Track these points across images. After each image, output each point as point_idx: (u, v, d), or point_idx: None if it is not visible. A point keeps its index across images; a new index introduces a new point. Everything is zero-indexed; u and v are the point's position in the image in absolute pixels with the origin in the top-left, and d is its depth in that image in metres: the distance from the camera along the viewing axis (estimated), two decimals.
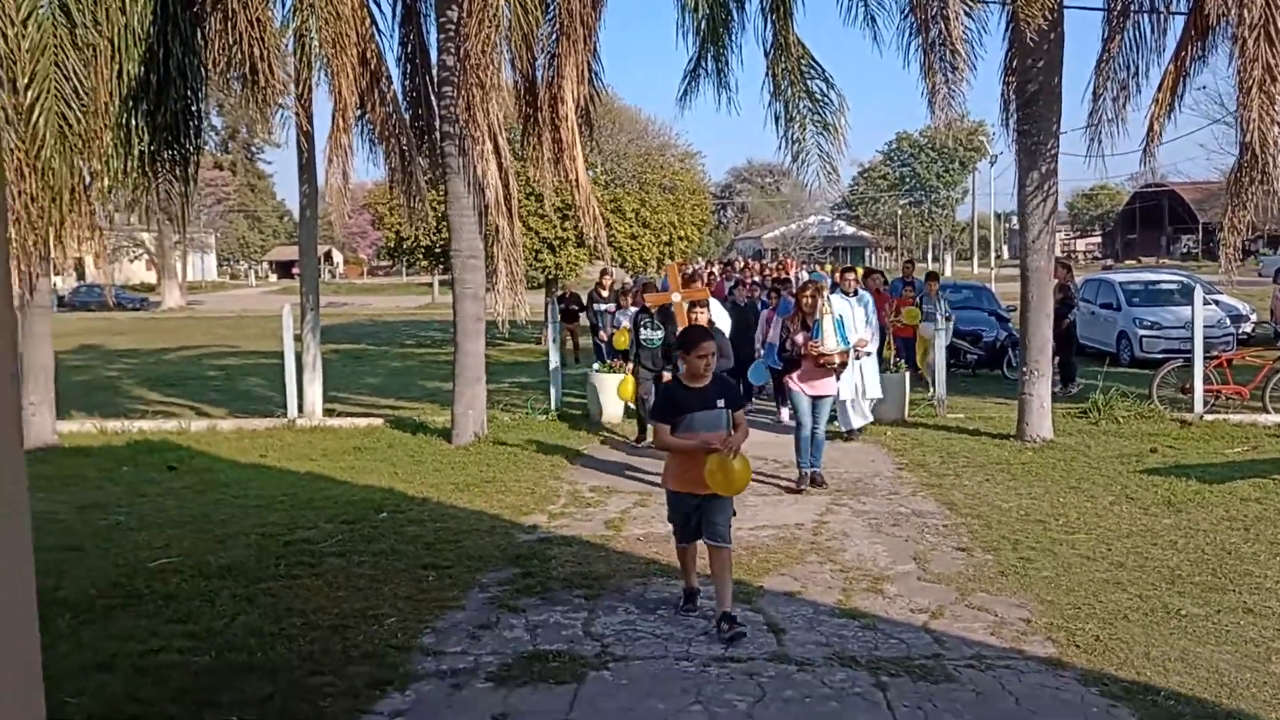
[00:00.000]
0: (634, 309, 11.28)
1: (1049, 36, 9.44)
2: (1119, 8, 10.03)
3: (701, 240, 34.86)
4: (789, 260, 31.84)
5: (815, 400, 8.27)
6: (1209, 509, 7.25)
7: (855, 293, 10.38)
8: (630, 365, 10.32)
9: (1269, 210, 9.77)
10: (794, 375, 8.27)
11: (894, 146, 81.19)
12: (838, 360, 8.22)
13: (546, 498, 8.05)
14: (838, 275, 11.57)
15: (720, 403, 5.13)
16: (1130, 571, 5.86)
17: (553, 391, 12.62)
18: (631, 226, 24.35)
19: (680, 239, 25.52)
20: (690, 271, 19.90)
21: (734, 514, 5.31)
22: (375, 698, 4.30)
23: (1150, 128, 9.91)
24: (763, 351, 9.76)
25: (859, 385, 10.22)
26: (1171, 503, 7.44)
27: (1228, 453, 9.31)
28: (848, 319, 8.85)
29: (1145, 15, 10.03)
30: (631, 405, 10.90)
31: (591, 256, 24.91)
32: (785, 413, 10.85)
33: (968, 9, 8.46)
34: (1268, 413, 10.97)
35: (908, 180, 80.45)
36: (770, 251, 63.18)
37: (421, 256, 24.50)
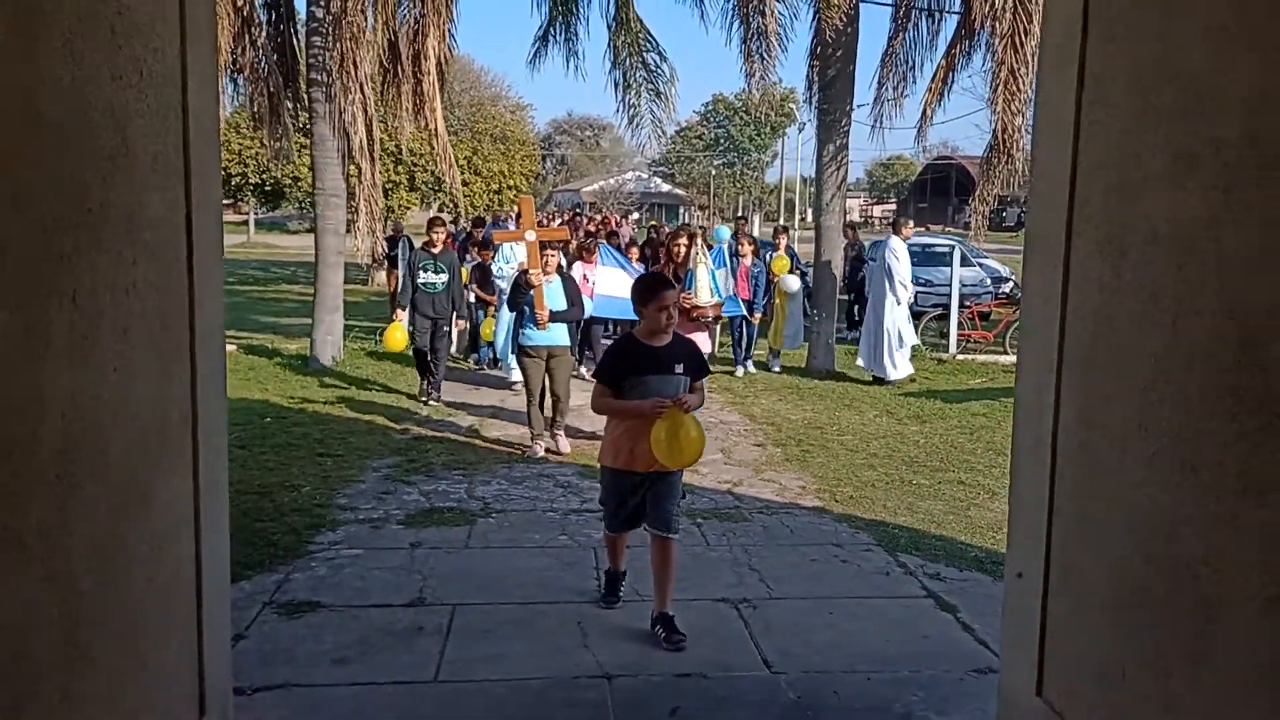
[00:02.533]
0: (412, 248, 10.76)
1: (846, 31, 11.23)
2: (904, 8, 11.95)
3: (530, 189, 35.95)
4: (610, 214, 33.35)
5: None
6: (947, 420, 9.28)
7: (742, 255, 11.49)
8: (400, 312, 9.62)
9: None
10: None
11: (710, 108, 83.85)
12: (711, 314, 7.83)
13: (408, 410, 9.26)
14: (741, 242, 11.85)
15: (679, 368, 4.35)
16: (881, 459, 7.71)
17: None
18: (463, 174, 25.24)
19: (510, 188, 26.64)
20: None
21: (684, 496, 4.66)
22: (314, 535, 5.52)
23: (923, 112, 11.93)
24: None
25: (900, 333, 11.09)
26: (920, 416, 9.44)
27: (970, 383, 11.51)
28: (721, 279, 9.04)
29: (924, 17, 11.99)
30: (402, 354, 10.10)
31: (423, 201, 25.65)
32: None
33: (781, 4, 10.09)
34: (1006, 354, 13.36)
35: (722, 141, 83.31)
36: (589, 205, 64.57)
37: (251, 194, 24.65)
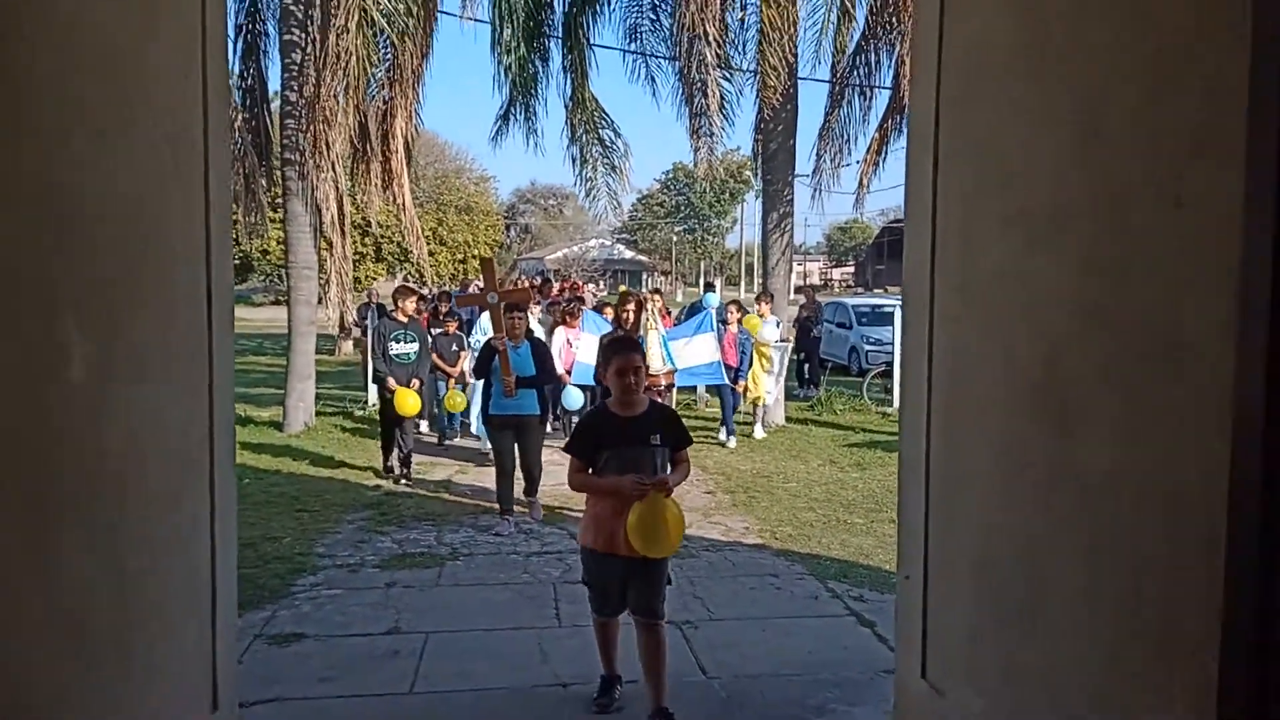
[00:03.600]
0: (379, 320, 10.55)
1: (786, 108, 12.09)
2: (839, 87, 12.87)
3: (495, 258, 36.74)
4: (576, 281, 34.13)
5: None
6: (886, 467, 9.90)
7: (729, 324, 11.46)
8: (391, 381, 9.12)
9: None
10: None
11: (670, 176, 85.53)
12: (663, 382, 7.57)
13: (380, 471, 9.75)
14: (730, 310, 11.71)
15: (656, 439, 4.00)
16: (821, 503, 8.32)
17: (371, 390, 14.18)
18: (429, 244, 25.94)
19: (474, 257, 27.38)
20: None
21: (670, 582, 4.16)
22: (296, 578, 6.01)
23: (860, 181, 12.78)
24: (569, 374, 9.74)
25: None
26: (861, 464, 10.07)
27: None
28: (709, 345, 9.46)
29: (856, 94, 12.90)
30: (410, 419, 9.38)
31: (389, 271, 26.30)
32: None
33: (721, 90, 10.93)
34: None
35: (683, 209, 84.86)
36: (554, 272, 65.49)
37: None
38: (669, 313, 14.14)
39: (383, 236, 24.77)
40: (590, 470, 4.03)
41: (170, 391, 3.05)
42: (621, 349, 4.09)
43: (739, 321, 11.85)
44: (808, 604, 5.62)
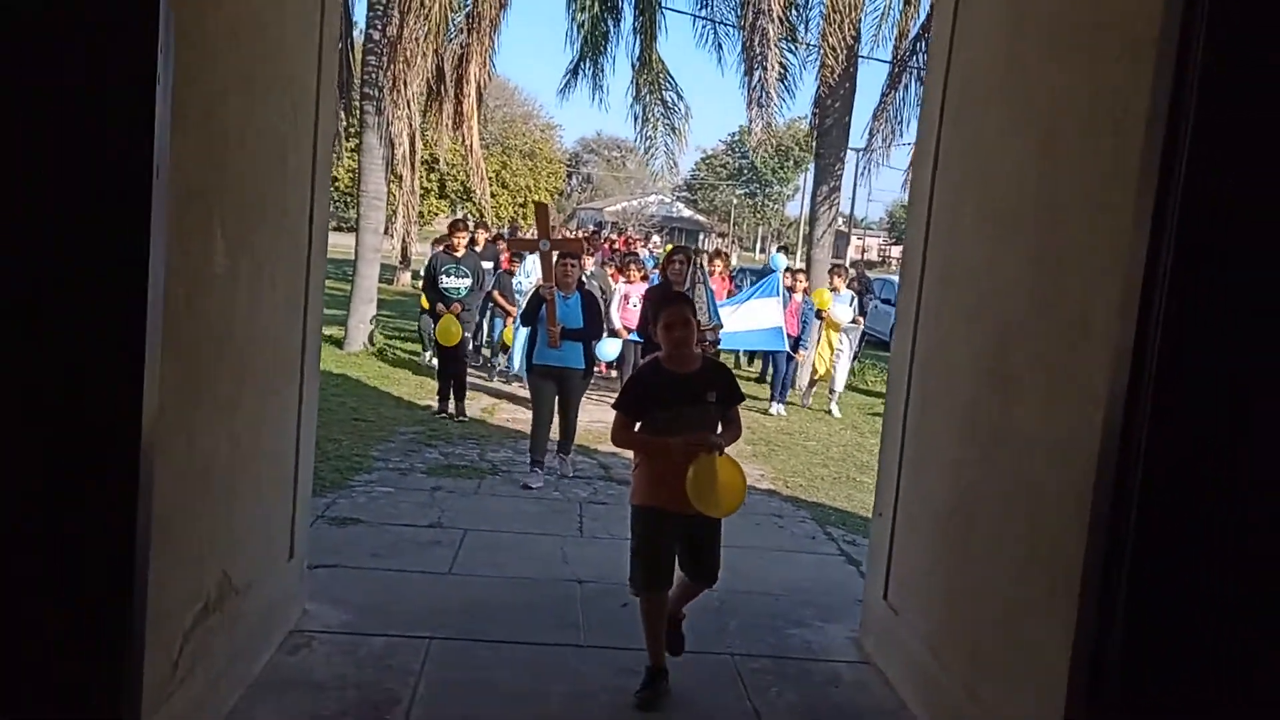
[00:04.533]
0: (433, 253, 10.33)
1: (844, 85, 12.51)
2: (898, 69, 13.23)
3: (554, 205, 37.41)
4: (630, 237, 34.64)
5: None
6: None
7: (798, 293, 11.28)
8: (454, 306, 9.17)
9: None
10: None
11: (736, 138, 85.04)
12: (709, 338, 7.49)
13: (431, 392, 10.50)
14: (798, 279, 11.41)
15: (711, 396, 3.87)
16: (836, 462, 8.92)
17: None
18: (491, 186, 26.62)
19: (534, 201, 28.01)
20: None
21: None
22: (353, 475, 6.77)
23: (910, 163, 13.14)
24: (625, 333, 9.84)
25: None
26: (880, 431, 10.62)
27: None
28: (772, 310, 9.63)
29: (914, 78, 13.26)
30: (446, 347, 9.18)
31: (451, 208, 27.05)
32: None
33: (783, 63, 11.39)
34: None
35: (745, 172, 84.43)
36: (611, 225, 65.87)
37: None
38: (732, 278, 13.89)
39: (447, 174, 25.50)
40: (637, 427, 3.83)
41: (276, 298, 3.73)
42: (669, 302, 3.95)
43: (805, 292, 11.59)
44: (804, 542, 6.26)
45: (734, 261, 17.35)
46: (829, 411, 11.47)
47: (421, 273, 11.40)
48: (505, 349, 11.46)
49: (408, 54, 11.38)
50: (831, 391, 11.72)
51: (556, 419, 7.32)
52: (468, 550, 5.43)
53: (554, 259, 7.27)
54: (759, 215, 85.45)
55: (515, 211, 26.75)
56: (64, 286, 2.28)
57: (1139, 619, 2.51)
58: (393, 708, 3.58)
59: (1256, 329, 2.41)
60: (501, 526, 5.95)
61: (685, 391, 3.80)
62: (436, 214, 25.95)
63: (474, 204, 25.27)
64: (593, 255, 12.71)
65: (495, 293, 11.25)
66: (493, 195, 26.87)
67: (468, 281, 9.54)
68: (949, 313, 3.97)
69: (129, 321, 2.32)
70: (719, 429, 3.92)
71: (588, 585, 5.04)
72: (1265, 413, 2.44)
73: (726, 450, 3.77)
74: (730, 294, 12.06)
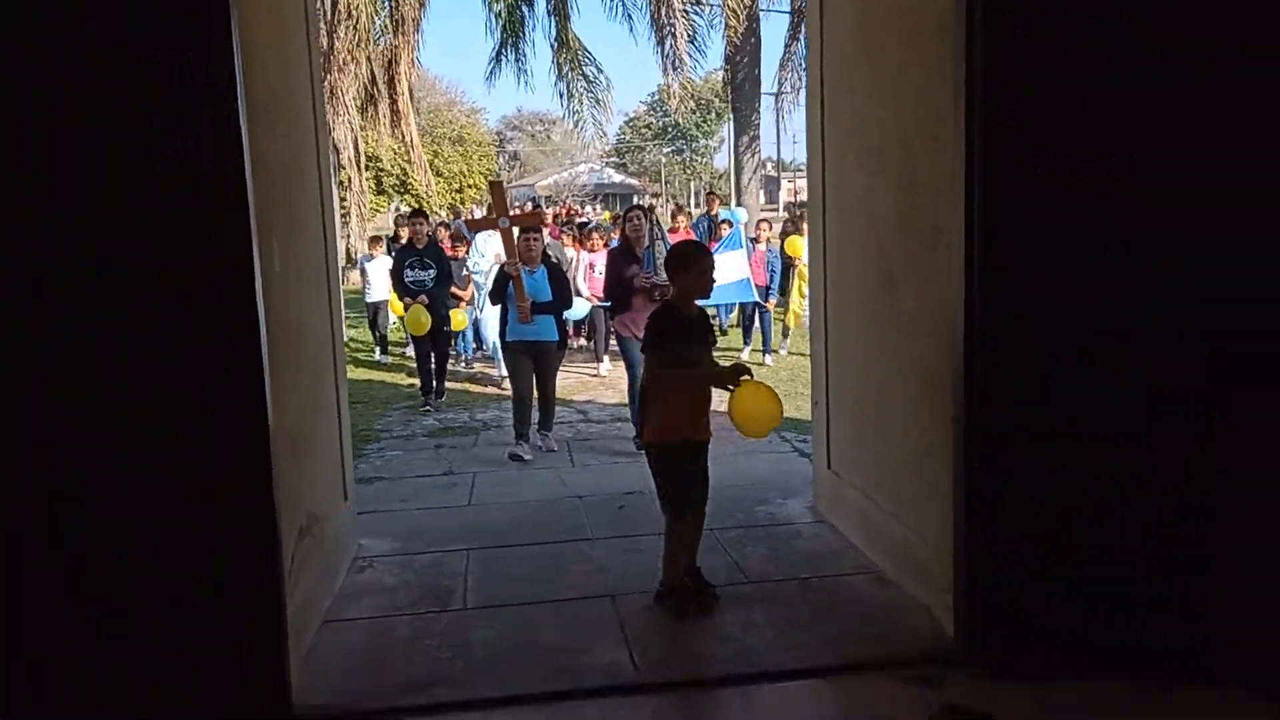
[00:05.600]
0: (395, 248, 10.51)
1: (749, 40, 13.47)
2: (797, 19, 14.20)
3: (503, 181, 38.05)
4: (571, 206, 35.43)
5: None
6: None
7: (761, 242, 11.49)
8: (421, 298, 9.29)
9: None
10: (623, 318, 7.14)
11: (656, 99, 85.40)
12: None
13: (409, 372, 11.39)
14: (759, 228, 11.60)
15: (711, 336, 4.43)
16: (786, 383, 9.98)
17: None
18: (426, 175, 27.25)
19: (470, 186, 28.70)
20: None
21: None
22: (364, 446, 7.68)
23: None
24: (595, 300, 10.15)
25: None
26: None
27: None
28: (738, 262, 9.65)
29: None
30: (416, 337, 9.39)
31: (389, 203, 27.64)
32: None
33: (692, 27, 12.33)
34: None
35: (669, 130, 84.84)
36: (545, 199, 66.24)
37: None
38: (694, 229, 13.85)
39: (381, 170, 26.06)
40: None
41: (314, 292, 4.64)
42: (703, 252, 4.43)
43: (769, 240, 11.83)
44: (764, 446, 7.30)
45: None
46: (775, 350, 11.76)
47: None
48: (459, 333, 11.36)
49: (341, 62, 12.13)
50: (785, 333, 12.03)
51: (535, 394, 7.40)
52: (480, 487, 6.40)
53: (515, 235, 7.36)
54: (689, 171, 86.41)
55: (453, 198, 27.44)
56: (186, 294, 3.19)
57: (996, 452, 3.54)
58: (451, 596, 4.55)
59: (1052, 227, 3.41)
60: (505, 468, 6.91)
61: (697, 331, 4.28)
62: (376, 210, 26.56)
63: (412, 196, 25.93)
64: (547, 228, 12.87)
65: None
66: (427, 185, 27.51)
67: (432, 272, 9.55)
68: (847, 232, 4.99)
69: (248, 324, 3.24)
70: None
71: (587, 498, 6.04)
72: (1066, 285, 3.45)
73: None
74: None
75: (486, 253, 10.09)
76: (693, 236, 12.41)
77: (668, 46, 12.53)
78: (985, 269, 3.48)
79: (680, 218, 12.66)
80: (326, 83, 12.47)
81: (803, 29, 14.10)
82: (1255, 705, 3.28)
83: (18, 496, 3.21)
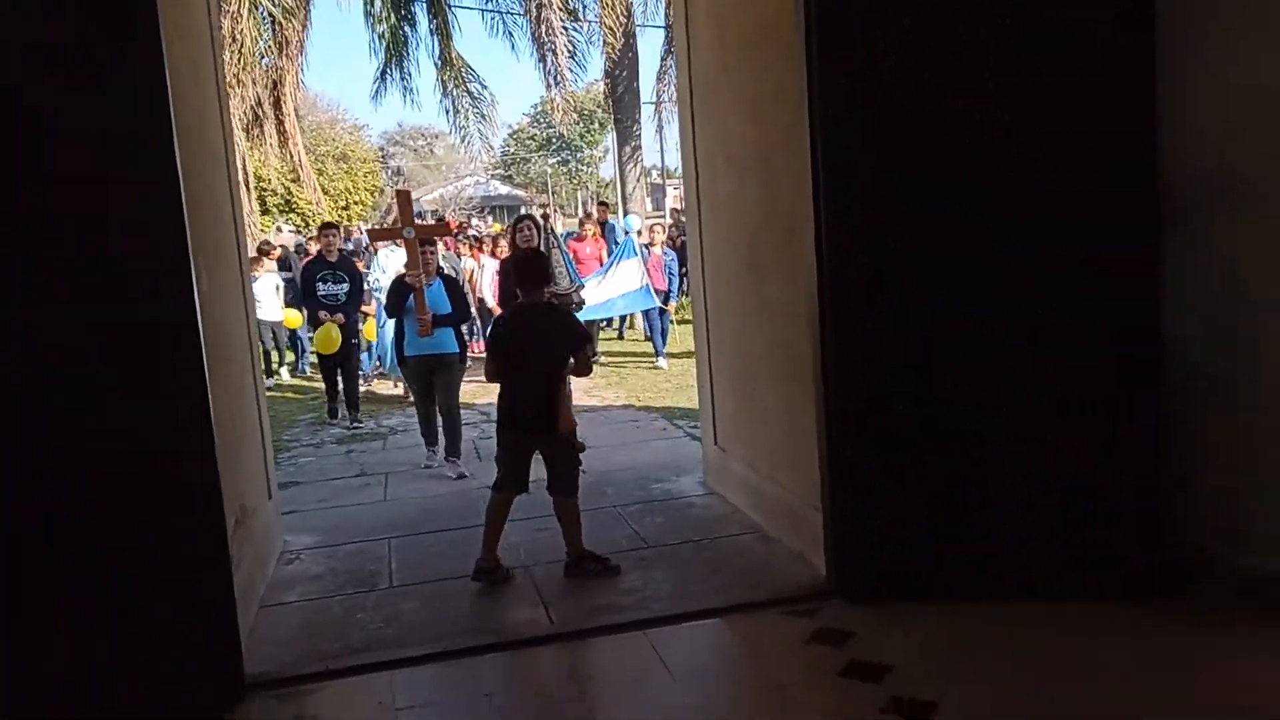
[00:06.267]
0: (303, 263, 10.23)
1: (627, 55, 14.08)
2: (670, 35, 14.87)
3: (375, 204, 37.89)
4: (458, 221, 35.56)
5: None
6: None
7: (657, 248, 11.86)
8: (334, 315, 9.01)
9: None
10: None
11: (539, 110, 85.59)
12: (575, 299, 7.66)
13: (314, 389, 11.62)
14: (653, 232, 12.09)
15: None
16: (678, 376, 10.59)
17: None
18: (315, 193, 27.12)
19: (356, 203, 28.66)
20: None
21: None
22: (278, 455, 7.94)
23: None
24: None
25: None
26: None
27: None
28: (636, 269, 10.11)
29: None
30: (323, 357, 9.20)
31: (273, 224, 27.42)
32: None
33: (572, 43, 12.88)
34: None
35: (554, 140, 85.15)
36: (430, 213, 65.77)
37: None
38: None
39: (265, 189, 25.88)
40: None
41: (234, 306, 5.00)
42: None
43: (663, 244, 12.27)
44: (657, 433, 7.89)
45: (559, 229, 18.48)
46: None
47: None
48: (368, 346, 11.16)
49: (227, 85, 12.26)
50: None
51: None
52: (393, 485, 6.80)
53: (416, 245, 7.01)
54: (575, 180, 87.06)
55: (339, 214, 27.37)
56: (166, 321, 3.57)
57: (845, 414, 4.15)
58: (377, 578, 4.96)
59: (882, 219, 4.03)
60: (415, 467, 7.30)
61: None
62: (263, 230, 26.33)
63: (297, 214, 25.80)
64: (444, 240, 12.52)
65: None
66: (313, 203, 27.41)
67: (345, 286, 9.20)
68: (720, 229, 5.59)
69: (187, 332, 3.63)
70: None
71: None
72: (898, 267, 4.07)
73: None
74: (609, 252, 12.14)
75: (388, 268, 9.94)
76: (603, 245, 12.53)
77: (549, 63, 13.08)
78: (833, 261, 4.08)
79: (589, 225, 12.78)
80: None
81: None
82: (1077, 611, 3.94)
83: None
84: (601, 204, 19.17)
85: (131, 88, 3.48)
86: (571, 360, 4.89)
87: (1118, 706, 3.26)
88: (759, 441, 5.31)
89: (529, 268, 5.02)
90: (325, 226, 10.06)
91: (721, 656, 4.04)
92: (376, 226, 12.55)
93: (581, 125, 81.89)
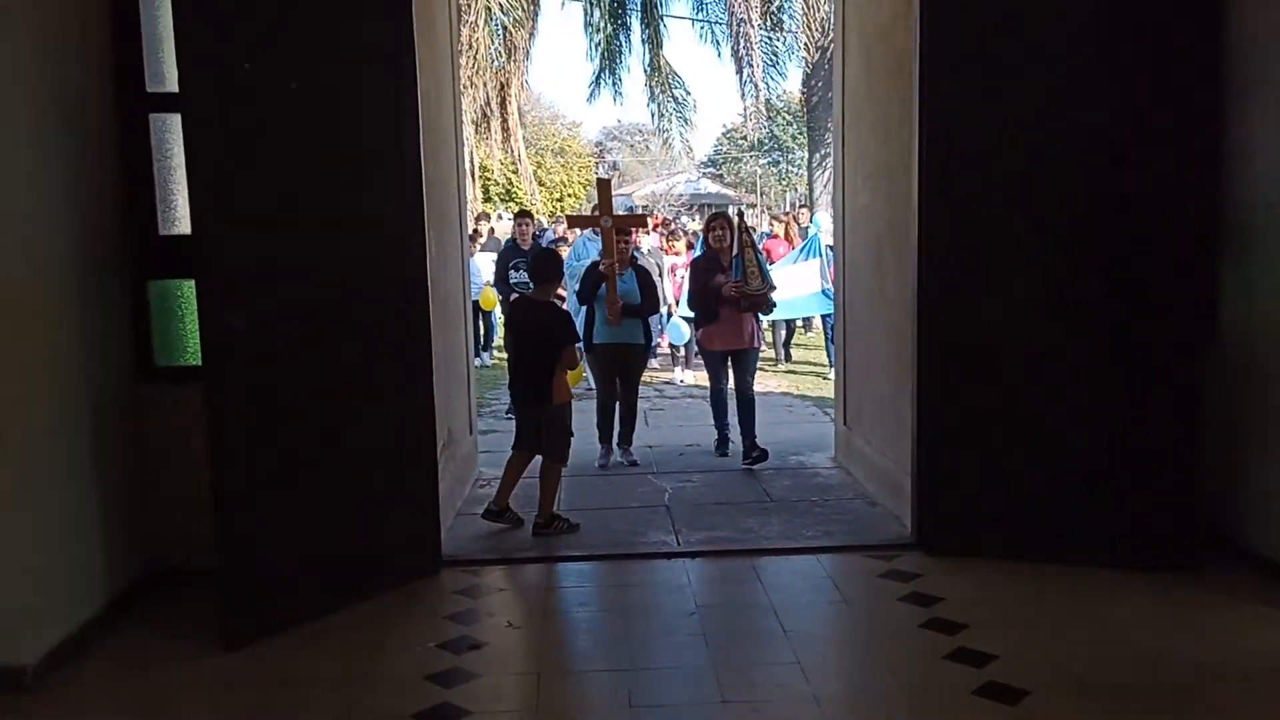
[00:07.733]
0: (502, 248, 10.35)
1: (823, 66, 14.82)
2: None
3: (589, 197, 39.96)
4: (664, 218, 36.97)
5: (732, 355, 7.24)
6: None
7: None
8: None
9: None
10: (708, 330, 7.26)
11: (751, 111, 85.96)
12: (769, 301, 7.21)
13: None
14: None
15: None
16: None
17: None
18: (531, 185, 29.19)
19: (570, 195, 30.56)
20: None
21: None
22: (480, 410, 9.33)
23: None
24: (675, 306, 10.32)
25: None
26: None
27: None
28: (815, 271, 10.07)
29: None
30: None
31: (495, 210, 29.76)
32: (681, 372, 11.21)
33: (772, 56, 13.80)
34: None
35: (766, 141, 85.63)
36: (642, 208, 67.66)
37: None
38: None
39: (489, 180, 28.10)
40: None
41: (452, 271, 6.28)
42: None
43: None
44: (806, 417, 8.76)
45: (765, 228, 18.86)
46: None
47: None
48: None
49: (461, 84, 13.93)
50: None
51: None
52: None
53: (614, 234, 6.99)
54: (785, 182, 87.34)
55: (554, 206, 29.33)
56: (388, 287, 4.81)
57: (938, 397, 4.94)
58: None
59: (976, 232, 4.79)
60: (590, 428, 8.47)
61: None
62: (486, 216, 28.71)
63: (515, 203, 27.91)
64: (648, 234, 12.65)
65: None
66: (530, 194, 29.49)
67: None
68: (858, 235, 6.43)
69: (421, 294, 4.84)
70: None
71: (656, 448, 7.57)
72: (988, 271, 4.83)
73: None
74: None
75: (585, 257, 9.67)
76: (797, 244, 12.07)
77: (745, 75, 14.06)
78: (927, 264, 4.88)
79: (777, 225, 12.71)
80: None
81: None
82: (1109, 575, 4.60)
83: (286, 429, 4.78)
84: (803, 206, 19.49)
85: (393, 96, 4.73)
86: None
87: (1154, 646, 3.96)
88: (874, 418, 6.13)
89: (541, 266, 5.99)
90: (520, 214, 10.37)
91: (806, 578, 4.93)
92: (573, 214, 13.45)
93: (794, 127, 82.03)
